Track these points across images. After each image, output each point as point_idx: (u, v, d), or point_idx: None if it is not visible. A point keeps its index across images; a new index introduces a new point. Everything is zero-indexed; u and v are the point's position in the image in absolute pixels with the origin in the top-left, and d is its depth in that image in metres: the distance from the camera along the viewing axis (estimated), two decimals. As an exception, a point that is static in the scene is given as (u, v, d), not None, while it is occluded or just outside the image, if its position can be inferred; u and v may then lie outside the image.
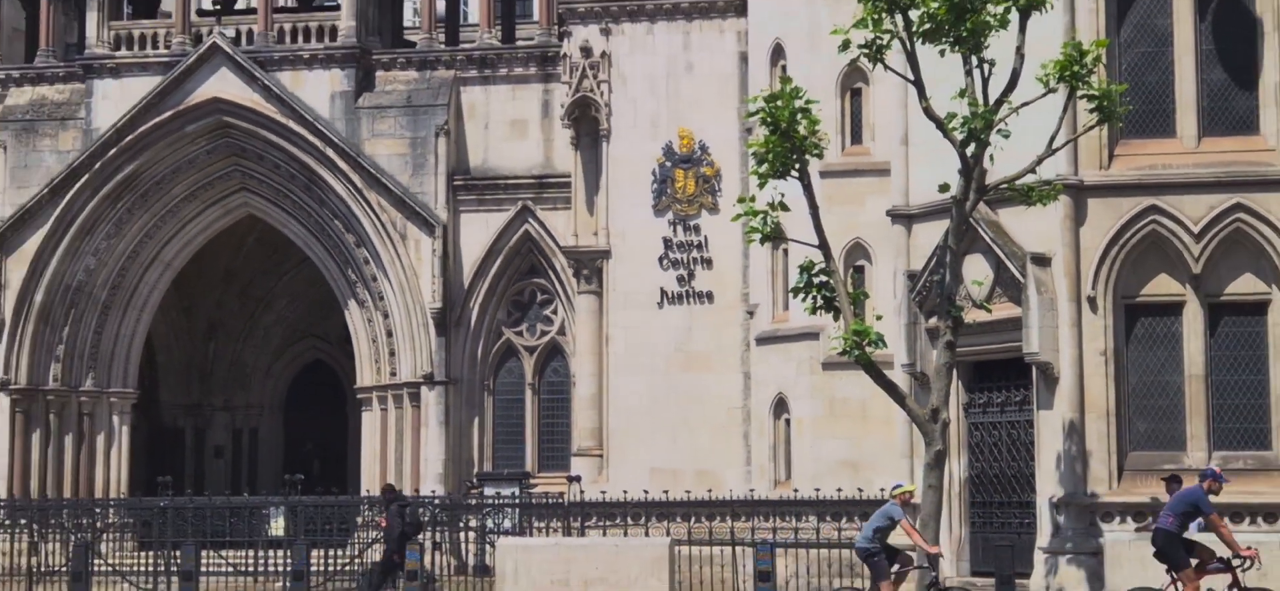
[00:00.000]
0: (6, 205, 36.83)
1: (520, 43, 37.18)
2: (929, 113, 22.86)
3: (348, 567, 30.95)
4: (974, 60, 22.39)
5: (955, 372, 24.47)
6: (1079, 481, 24.46)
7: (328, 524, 31.30)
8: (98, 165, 36.56)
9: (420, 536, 27.27)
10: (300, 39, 37.01)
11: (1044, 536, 24.86)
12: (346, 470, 39.01)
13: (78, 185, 36.54)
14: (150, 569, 30.87)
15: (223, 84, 36.41)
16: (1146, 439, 24.65)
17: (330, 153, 35.87)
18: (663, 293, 33.14)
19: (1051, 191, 23.33)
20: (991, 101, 22.30)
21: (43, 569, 31.88)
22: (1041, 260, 24.81)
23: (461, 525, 31.73)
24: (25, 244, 36.50)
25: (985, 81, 22.37)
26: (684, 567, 25.65)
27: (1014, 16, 22.30)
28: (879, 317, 25.14)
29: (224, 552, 30.71)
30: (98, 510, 34.34)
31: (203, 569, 26.76)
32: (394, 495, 28.85)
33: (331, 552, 30.65)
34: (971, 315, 24.33)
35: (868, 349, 23.19)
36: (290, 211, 37.17)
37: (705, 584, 28.31)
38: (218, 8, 39.36)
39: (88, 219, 36.80)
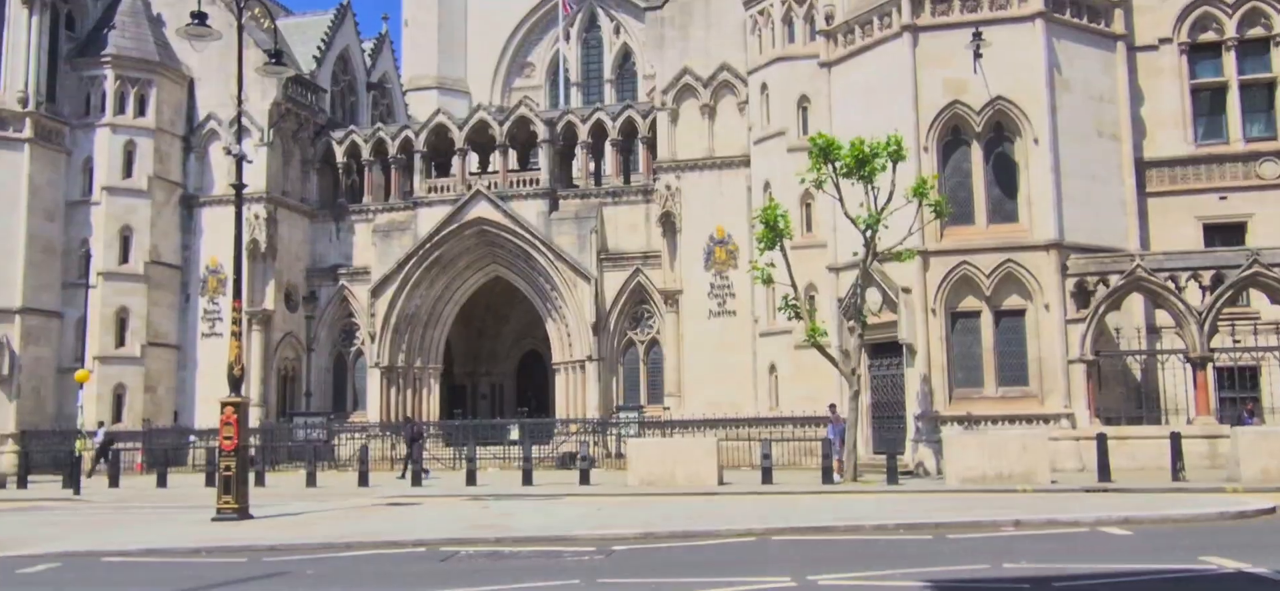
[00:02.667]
0: (377, 273, 37.20)
1: (633, 183, 37.33)
2: (846, 215, 23.11)
3: (550, 455, 31.42)
4: (869, 187, 22.68)
5: (863, 350, 24.56)
6: (929, 404, 24.53)
7: (540, 433, 31.93)
8: (420, 253, 37.00)
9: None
10: (521, 185, 37.30)
11: (911, 432, 24.90)
12: (548, 406, 38.99)
13: (410, 263, 36.99)
14: (452, 457, 31.86)
15: (482, 210, 36.72)
16: (963, 382, 24.77)
17: (537, 243, 36.18)
18: (709, 312, 33.17)
19: (910, 254, 23.65)
20: (879, 208, 22.53)
21: (397, 457, 32.43)
22: (907, 290, 24.91)
23: (608, 432, 32.15)
24: (386, 293, 36.93)
25: (875, 198, 22.62)
26: (724, 453, 25.75)
27: (889, 165, 22.51)
28: (823, 322, 25.27)
29: (489, 448, 31.39)
30: (425, 427, 34.98)
31: (479, 457, 27.16)
32: (409, 420, 31.92)
33: (542, 447, 31.15)
34: (872, 320, 24.54)
35: (818, 338, 23.49)
36: (517, 273, 37.44)
37: (735, 461, 28.51)
38: (479, 171, 39.92)
39: (416, 280, 37.21)
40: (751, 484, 22.88)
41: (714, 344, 32.82)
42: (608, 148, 37.52)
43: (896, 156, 22.43)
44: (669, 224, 34.15)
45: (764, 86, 31.59)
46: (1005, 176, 25.08)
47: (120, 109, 35.82)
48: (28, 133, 34.07)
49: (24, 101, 34.07)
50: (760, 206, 26.09)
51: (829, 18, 28.61)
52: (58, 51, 35.88)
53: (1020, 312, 24.48)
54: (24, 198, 33.79)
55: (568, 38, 49.42)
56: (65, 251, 35.02)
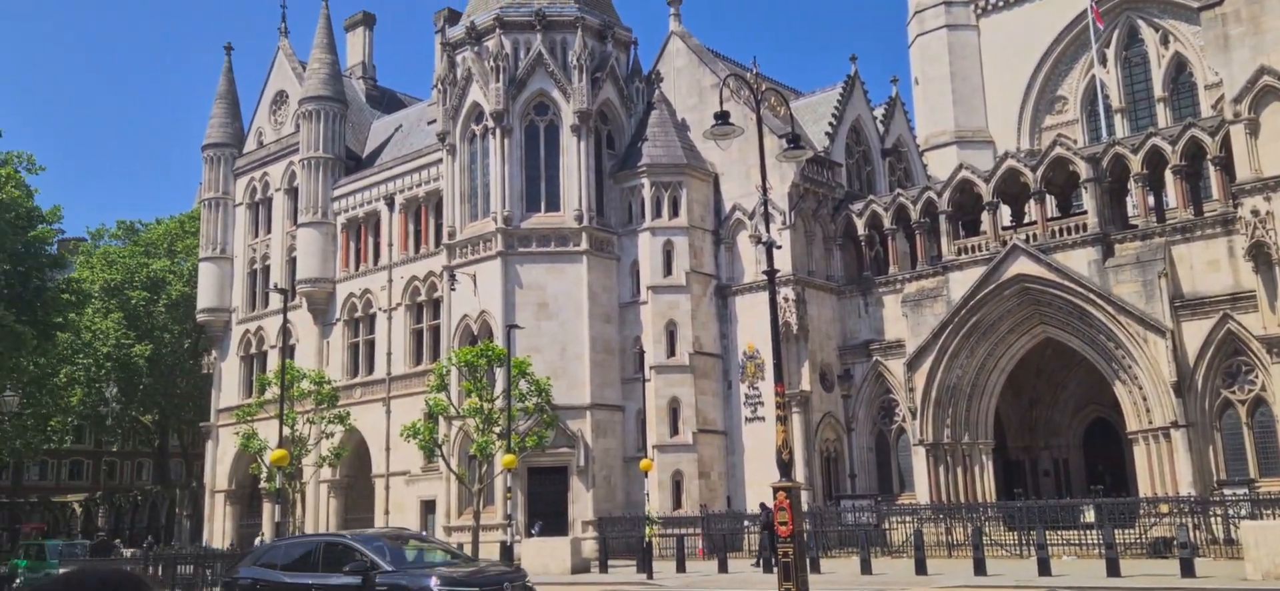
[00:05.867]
0: (910, 345, 36.62)
1: (1206, 214, 32.81)
2: None
3: (1137, 540, 27.79)
4: None
5: None
6: None
7: (1120, 514, 28.43)
8: (955, 320, 35.78)
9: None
10: (1064, 233, 34.81)
11: None
12: (1126, 482, 35.11)
13: (945, 332, 35.90)
14: (1016, 543, 29.65)
15: (1021, 266, 34.75)
16: None
17: (1091, 296, 33.28)
18: (1335, 358, 27.72)
19: None
20: None
21: (953, 541, 31.10)
22: None
23: (1210, 513, 27.74)
24: (922, 366, 36.12)
25: None
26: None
27: None
28: None
29: (1058, 532, 28.86)
30: (980, 510, 33.14)
31: (1048, 542, 24.94)
32: (764, 509, 29.45)
33: (1124, 531, 27.53)
34: None
35: None
36: (1071, 332, 34.60)
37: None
38: (1012, 225, 37.89)
39: (954, 350, 35.95)
40: None
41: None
42: (1168, 176, 33.75)
43: None
44: (1262, 256, 29.45)
45: (1387, 68, 25.98)
46: None
47: (657, 212, 39.76)
48: (584, 245, 39.16)
49: (579, 218, 39.27)
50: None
51: None
52: (602, 169, 41.00)
53: None
54: (585, 304, 38.74)
55: (1103, 60, 45.46)
56: (621, 350, 39.37)
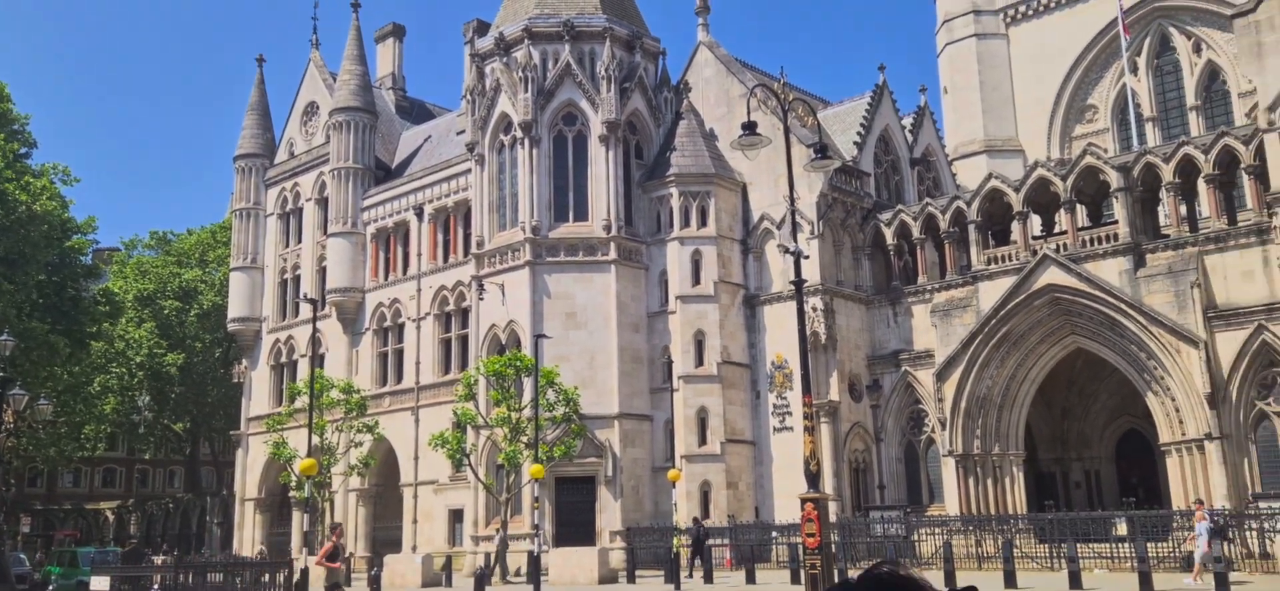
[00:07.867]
0: (940, 355, 36.38)
1: (1240, 223, 32.50)
2: None
3: (1171, 554, 27.45)
4: None
5: None
6: None
7: (1153, 527, 28.32)
8: (985, 330, 35.45)
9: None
10: (1095, 243, 34.47)
11: None
12: (1159, 494, 34.76)
13: (975, 342, 35.58)
14: (1047, 556, 29.50)
15: (1051, 276, 34.39)
16: None
17: (1123, 306, 32.93)
18: (1373, 369, 27.37)
19: None
20: None
21: (983, 554, 30.97)
22: None
23: (1245, 527, 27.49)
24: (952, 376, 35.77)
25: None
26: None
27: None
28: None
29: (1090, 545, 28.66)
30: (1010, 521, 32.75)
31: (1080, 556, 24.77)
32: (697, 523, 32.89)
33: (1157, 544, 27.34)
34: None
35: None
36: (1102, 342, 34.22)
37: None
38: (1043, 234, 37.69)
39: (984, 360, 35.59)
40: None
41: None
42: (1201, 186, 33.40)
43: None
44: (1300, 266, 28.96)
45: None
46: None
47: (685, 222, 39.85)
48: (613, 255, 39.30)
49: (608, 227, 39.44)
50: None
51: None
52: (630, 179, 41.15)
53: None
54: (614, 313, 38.85)
55: (1134, 68, 45.16)
56: (649, 359, 39.45)
